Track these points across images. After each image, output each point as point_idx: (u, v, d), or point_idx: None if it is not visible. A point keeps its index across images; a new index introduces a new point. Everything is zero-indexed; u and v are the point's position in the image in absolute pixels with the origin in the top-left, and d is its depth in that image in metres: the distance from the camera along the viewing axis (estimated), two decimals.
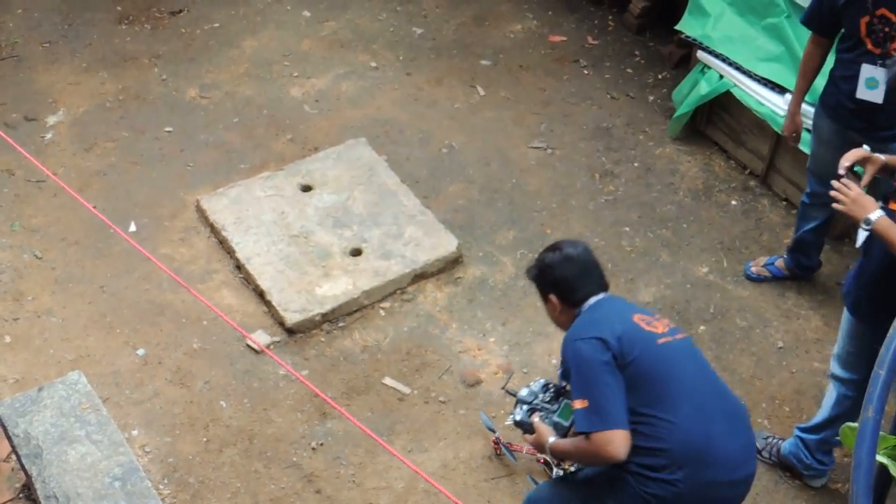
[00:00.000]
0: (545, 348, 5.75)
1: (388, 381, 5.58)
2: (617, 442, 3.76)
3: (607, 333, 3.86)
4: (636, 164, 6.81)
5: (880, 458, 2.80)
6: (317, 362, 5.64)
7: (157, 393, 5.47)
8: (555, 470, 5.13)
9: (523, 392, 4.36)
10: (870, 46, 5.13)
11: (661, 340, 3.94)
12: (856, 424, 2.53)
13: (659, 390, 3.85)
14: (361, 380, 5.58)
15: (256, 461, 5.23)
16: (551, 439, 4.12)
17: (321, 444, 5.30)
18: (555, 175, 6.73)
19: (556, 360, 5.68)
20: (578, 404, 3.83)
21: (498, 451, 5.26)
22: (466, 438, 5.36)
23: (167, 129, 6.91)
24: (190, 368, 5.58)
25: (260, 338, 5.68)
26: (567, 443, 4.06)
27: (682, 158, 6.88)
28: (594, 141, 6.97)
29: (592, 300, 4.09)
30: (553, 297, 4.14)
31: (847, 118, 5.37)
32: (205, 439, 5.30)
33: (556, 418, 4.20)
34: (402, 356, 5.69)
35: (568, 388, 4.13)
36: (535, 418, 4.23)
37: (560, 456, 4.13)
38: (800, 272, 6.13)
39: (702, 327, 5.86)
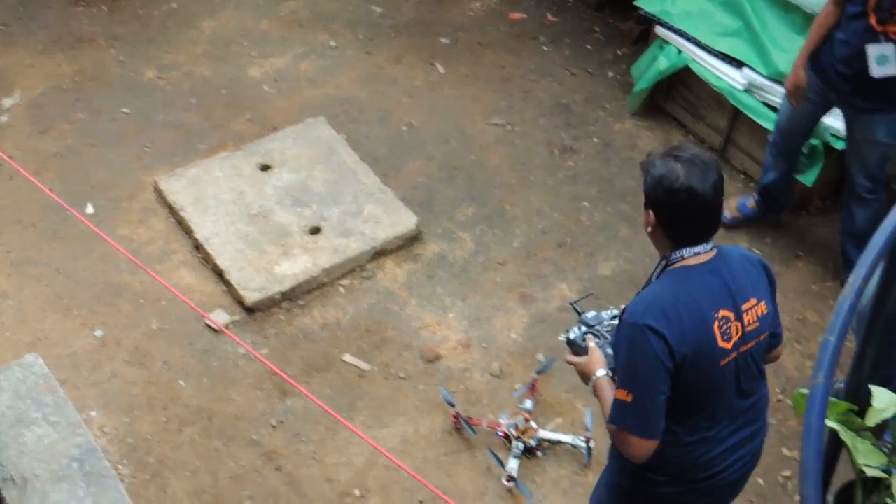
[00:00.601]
0: (504, 323, 5.76)
1: (347, 358, 5.57)
2: (643, 450, 3.51)
3: (677, 342, 3.43)
4: (595, 140, 6.82)
5: (831, 424, 2.82)
6: (276, 341, 5.63)
7: (115, 374, 5.45)
8: (514, 443, 5.14)
9: (589, 314, 3.93)
10: (873, 21, 5.15)
11: (724, 362, 3.53)
12: (806, 391, 2.55)
13: (688, 408, 3.57)
14: (321, 357, 5.57)
15: (216, 440, 5.22)
16: (600, 373, 3.71)
17: (281, 422, 5.29)
18: (514, 151, 6.73)
19: (515, 335, 5.70)
20: (621, 395, 3.49)
21: (457, 426, 5.27)
22: (426, 414, 5.36)
23: (124, 110, 6.87)
24: (148, 349, 5.56)
25: (219, 317, 5.66)
26: (607, 395, 3.64)
27: (641, 133, 6.89)
28: (554, 117, 6.98)
29: (689, 253, 3.53)
30: (651, 215, 3.55)
31: (835, 80, 5.45)
32: (164, 419, 5.28)
33: (610, 350, 3.79)
34: (361, 333, 5.69)
35: None
36: (591, 343, 3.81)
37: (595, 395, 3.73)
38: (769, 211, 6.26)
39: None
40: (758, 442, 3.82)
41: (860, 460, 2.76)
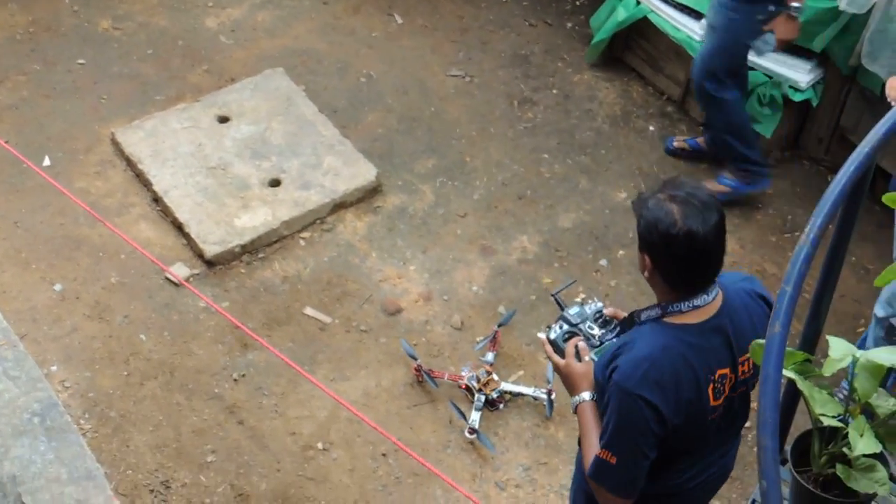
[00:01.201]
0: (465, 276, 5.77)
1: (308, 311, 5.58)
2: None
3: (671, 413, 3.23)
4: (555, 91, 6.82)
5: (788, 373, 2.84)
6: (237, 294, 5.62)
7: (75, 328, 5.42)
8: (475, 395, 5.17)
9: (573, 310, 3.66)
10: None
11: (712, 416, 3.36)
12: (763, 341, 2.57)
13: (669, 456, 3.40)
14: (282, 310, 5.57)
15: (178, 393, 5.22)
16: (585, 396, 3.48)
17: (243, 376, 5.30)
18: (473, 103, 6.72)
19: (476, 288, 5.72)
20: (605, 455, 3.28)
21: (419, 379, 5.29)
22: (388, 366, 5.38)
23: (80, 61, 6.79)
24: (108, 303, 5.54)
25: (179, 270, 5.64)
26: (588, 426, 3.45)
27: (600, 85, 6.89)
28: (512, 68, 6.96)
29: (687, 307, 3.26)
30: (648, 260, 3.25)
31: None
32: (125, 373, 5.28)
33: (592, 355, 3.56)
34: (322, 286, 5.69)
35: (617, 315, 3.62)
36: (587, 357, 3.53)
37: (574, 413, 3.53)
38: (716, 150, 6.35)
39: (620, 252, 5.92)
40: (730, 456, 3.74)
41: (817, 410, 2.79)
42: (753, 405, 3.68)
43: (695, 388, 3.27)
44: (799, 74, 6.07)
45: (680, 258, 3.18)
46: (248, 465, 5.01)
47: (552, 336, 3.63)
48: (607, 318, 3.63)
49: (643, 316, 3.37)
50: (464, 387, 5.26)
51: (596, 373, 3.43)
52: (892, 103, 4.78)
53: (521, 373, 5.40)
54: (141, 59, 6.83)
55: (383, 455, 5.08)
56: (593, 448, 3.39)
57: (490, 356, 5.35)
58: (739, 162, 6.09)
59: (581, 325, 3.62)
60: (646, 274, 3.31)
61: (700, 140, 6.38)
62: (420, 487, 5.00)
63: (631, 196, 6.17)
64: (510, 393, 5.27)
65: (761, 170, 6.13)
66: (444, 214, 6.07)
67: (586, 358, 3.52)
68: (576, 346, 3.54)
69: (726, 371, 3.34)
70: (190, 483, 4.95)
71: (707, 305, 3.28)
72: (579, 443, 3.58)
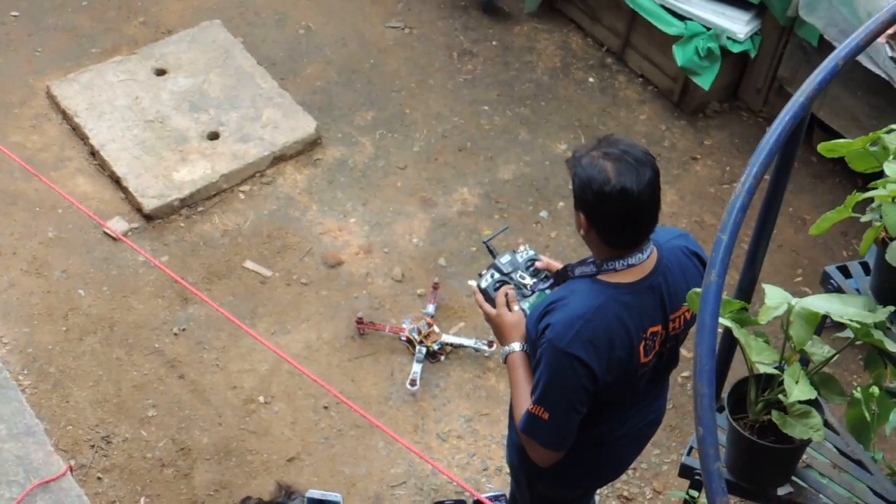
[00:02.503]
0: (406, 227, 5.77)
1: (249, 264, 5.55)
2: (550, 459, 3.41)
3: (602, 371, 3.25)
4: (494, 43, 6.80)
5: (724, 322, 2.88)
6: (176, 248, 5.58)
7: (12, 283, 5.37)
8: (417, 347, 5.19)
9: (504, 258, 3.62)
10: None
11: (642, 372, 3.39)
12: (700, 290, 2.59)
13: (597, 408, 3.41)
14: (222, 264, 5.55)
15: (118, 349, 5.19)
16: (515, 346, 3.49)
17: (183, 330, 5.28)
18: (413, 55, 6.69)
19: (416, 240, 5.72)
20: (537, 410, 3.30)
21: (361, 331, 5.29)
22: (329, 319, 5.38)
23: (13, 13, 6.67)
24: (46, 258, 5.48)
25: (117, 225, 5.59)
26: (519, 378, 3.46)
27: (539, 37, 6.88)
28: (452, 20, 6.93)
29: (622, 265, 3.25)
30: (583, 218, 3.23)
31: None
32: (64, 328, 5.23)
33: (523, 305, 3.54)
34: (262, 239, 5.66)
35: (550, 266, 3.60)
36: (516, 307, 3.53)
37: (504, 363, 3.54)
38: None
39: (560, 203, 5.94)
40: (660, 402, 3.78)
41: (753, 357, 2.83)
42: (684, 352, 3.75)
43: (627, 346, 3.28)
44: (737, 25, 6.09)
45: (615, 216, 3.17)
46: (189, 419, 5.00)
47: (483, 285, 3.61)
48: (536, 265, 3.61)
49: (577, 271, 3.37)
50: (405, 339, 5.27)
51: (528, 326, 3.43)
52: None
53: (461, 324, 5.42)
54: (75, 10, 6.73)
55: (325, 408, 5.09)
56: (524, 401, 3.41)
57: (431, 308, 5.36)
58: None
59: (512, 274, 3.60)
60: (581, 232, 3.29)
61: None
62: (362, 439, 5.02)
63: (571, 147, 6.18)
64: (451, 345, 5.29)
65: None
66: (384, 167, 6.05)
67: (516, 307, 3.52)
68: (506, 295, 3.54)
69: (658, 328, 3.35)
70: (131, 438, 4.94)
71: (642, 264, 3.28)
72: None
